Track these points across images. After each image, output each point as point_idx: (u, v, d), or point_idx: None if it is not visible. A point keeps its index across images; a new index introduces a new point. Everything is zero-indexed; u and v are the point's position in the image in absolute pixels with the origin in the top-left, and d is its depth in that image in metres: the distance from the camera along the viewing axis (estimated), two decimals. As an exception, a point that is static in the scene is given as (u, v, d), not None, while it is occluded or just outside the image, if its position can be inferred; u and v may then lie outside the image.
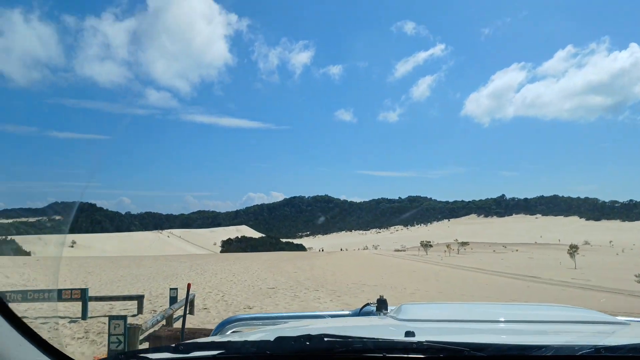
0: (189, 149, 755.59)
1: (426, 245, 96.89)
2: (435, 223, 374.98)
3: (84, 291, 9.24)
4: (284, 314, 2.11)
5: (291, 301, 13.99)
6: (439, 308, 1.82)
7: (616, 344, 0.95)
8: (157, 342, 5.86)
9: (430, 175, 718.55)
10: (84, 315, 9.20)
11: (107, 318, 9.92)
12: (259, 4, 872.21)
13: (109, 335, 5.17)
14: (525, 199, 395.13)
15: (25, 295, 8.60)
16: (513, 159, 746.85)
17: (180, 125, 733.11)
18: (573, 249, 54.52)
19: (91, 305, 11.41)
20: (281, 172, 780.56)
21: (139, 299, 10.54)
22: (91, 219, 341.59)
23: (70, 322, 8.97)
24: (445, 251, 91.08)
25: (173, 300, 10.69)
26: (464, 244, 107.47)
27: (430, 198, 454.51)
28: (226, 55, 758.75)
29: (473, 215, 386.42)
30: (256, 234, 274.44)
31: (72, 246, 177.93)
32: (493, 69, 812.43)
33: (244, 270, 33.16)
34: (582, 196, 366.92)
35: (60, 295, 9.12)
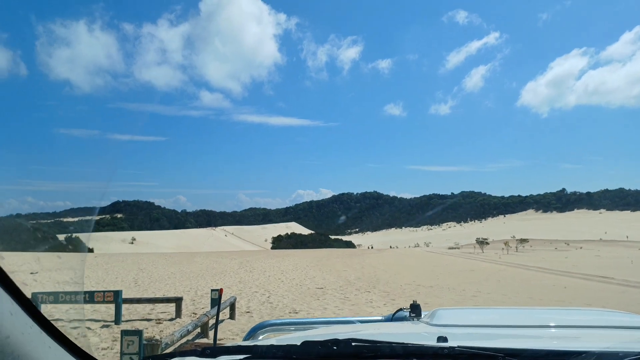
0: (241, 147, 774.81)
1: (482, 242, 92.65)
2: (490, 219, 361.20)
3: (116, 293, 8.67)
4: (315, 319, 2.05)
5: (341, 304, 12.95)
6: (474, 313, 1.80)
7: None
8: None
9: (485, 169, 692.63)
10: (117, 320, 8.65)
11: (143, 322, 9.34)
12: (306, 2, 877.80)
13: (121, 354, 4.34)
14: (588, 193, 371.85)
15: (57, 297, 8.13)
16: (575, 151, 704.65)
17: (232, 125, 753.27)
18: (649, 247, 49.59)
19: (131, 307, 10.95)
20: (330, 168, 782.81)
21: (177, 301, 9.88)
22: (150, 216, 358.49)
23: (102, 327, 8.44)
24: (502, 249, 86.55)
25: (214, 302, 9.96)
26: (522, 240, 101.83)
27: (485, 193, 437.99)
28: (276, 55, 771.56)
29: (531, 211, 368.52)
30: (305, 231, 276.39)
31: (132, 243, 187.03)
32: (552, 56, 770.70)
33: (293, 267, 32.65)
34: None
35: (93, 298, 8.60)
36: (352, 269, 31.68)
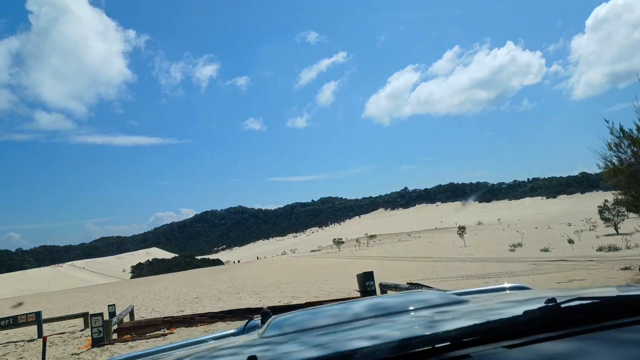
0: (86, 173, 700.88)
1: (338, 242, 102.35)
2: (347, 221, 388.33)
3: (37, 314, 10.71)
4: (165, 346, 2.05)
5: (216, 303, 16.20)
6: (311, 315, 1.77)
7: (415, 335, 1.00)
8: (123, 332, 7.90)
9: (340, 175, 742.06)
10: (40, 335, 10.64)
11: (57, 336, 11.43)
12: (157, 19, 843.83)
13: (91, 328, 7.18)
14: (426, 189, 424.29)
15: (-17, 326, 9.88)
16: (412, 154, 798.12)
17: (75, 148, 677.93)
18: (461, 230, 62.10)
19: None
20: (190, 187, 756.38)
21: (85, 316, 12.09)
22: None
23: (28, 341, 10.40)
24: (355, 245, 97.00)
25: (112, 315, 12.39)
26: (372, 236, 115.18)
27: (341, 197, 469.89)
28: (125, 72, 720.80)
29: (381, 210, 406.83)
30: (168, 255, 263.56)
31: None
32: (390, 72, 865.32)
33: (164, 289, 34.02)
34: (475, 181, 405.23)
35: (17, 320, 10.47)
36: (222, 281, 34.40)
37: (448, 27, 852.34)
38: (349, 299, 10.68)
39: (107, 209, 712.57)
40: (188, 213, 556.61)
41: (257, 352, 1.11)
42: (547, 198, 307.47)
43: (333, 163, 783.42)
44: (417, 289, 7.87)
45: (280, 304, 12.67)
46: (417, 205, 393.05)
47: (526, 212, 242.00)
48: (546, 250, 26.64)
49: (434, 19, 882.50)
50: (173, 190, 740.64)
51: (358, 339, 1.19)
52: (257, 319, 2.07)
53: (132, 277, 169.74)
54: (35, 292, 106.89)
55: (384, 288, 9.91)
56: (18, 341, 10.66)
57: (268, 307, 9.75)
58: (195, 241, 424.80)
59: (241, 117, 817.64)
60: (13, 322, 10.30)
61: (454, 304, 1.66)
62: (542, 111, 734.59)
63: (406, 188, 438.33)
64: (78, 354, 7.42)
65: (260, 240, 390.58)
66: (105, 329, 7.25)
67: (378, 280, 12.08)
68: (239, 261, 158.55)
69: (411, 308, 1.67)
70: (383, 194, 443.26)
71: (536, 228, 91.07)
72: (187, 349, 1.81)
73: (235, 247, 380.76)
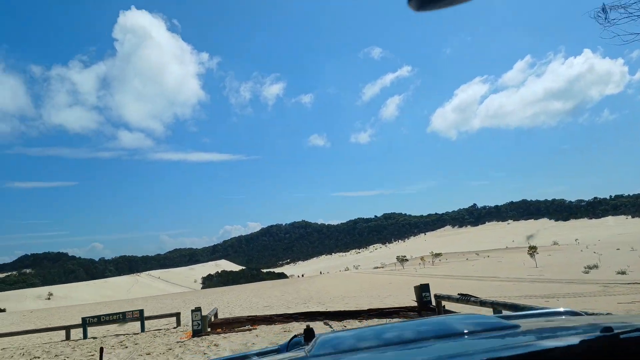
0: (162, 187, 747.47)
1: (402, 259, 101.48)
2: (412, 238, 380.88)
3: (141, 312, 12.76)
4: None
5: (286, 311, 17.65)
6: (355, 336, 1.70)
7: None
8: (215, 327, 9.46)
9: (404, 191, 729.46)
10: (142, 329, 12.64)
11: (158, 329, 13.38)
12: (228, 42, 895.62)
13: (192, 320, 8.80)
14: (496, 206, 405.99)
15: (100, 319, 12.01)
16: (481, 169, 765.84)
17: (153, 165, 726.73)
18: (532, 250, 59.77)
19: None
20: (257, 202, 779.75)
21: (177, 315, 14.05)
22: (64, 268, 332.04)
23: (133, 334, 12.40)
24: (419, 263, 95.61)
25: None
26: (437, 255, 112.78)
27: (405, 214, 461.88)
28: (199, 93, 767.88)
29: (448, 227, 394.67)
30: (236, 267, 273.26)
31: (48, 298, 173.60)
32: (457, 84, 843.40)
33: (235, 298, 36.36)
34: (550, 198, 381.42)
35: (125, 316, 12.56)
36: (289, 293, 36.09)
37: (518, 36, 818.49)
38: (404, 307, 11.62)
39: (180, 221, 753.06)
40: (254, 227, 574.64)
41: None
42: (632, 217, 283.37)
43: (397, 178, 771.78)
44: (466, 298, 8.69)
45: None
46: (486, 223, 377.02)
47: (608, 232, 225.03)
48: (623, 272, 25.58)
49: (502, 28, 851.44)
50: (241, 205, 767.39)
51: None
52: (300, 337, 2.10)
53: (202, 288, 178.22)
54: (117, 299, 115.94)
55: (438, 299, 10.79)
56: (125, 334, 12.71)
57: (329, 311, 10.76)
58: (261, 254, 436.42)
59: (306, 133, 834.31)
60: (122, 317, 12.40)
61: (505, 329, 1.64)
62: (626, 122, 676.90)
63: (475, 205, 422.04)
64: (183, 342, 9.11)
65: (323, 255, 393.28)
66: (202, 322, 8.86)
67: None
68: (302, 275, 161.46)
69: (463, 331, 1.65)
70: (450, 211, 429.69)
71: (617, 249, 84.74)
72: None
73: (299, 262, 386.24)
